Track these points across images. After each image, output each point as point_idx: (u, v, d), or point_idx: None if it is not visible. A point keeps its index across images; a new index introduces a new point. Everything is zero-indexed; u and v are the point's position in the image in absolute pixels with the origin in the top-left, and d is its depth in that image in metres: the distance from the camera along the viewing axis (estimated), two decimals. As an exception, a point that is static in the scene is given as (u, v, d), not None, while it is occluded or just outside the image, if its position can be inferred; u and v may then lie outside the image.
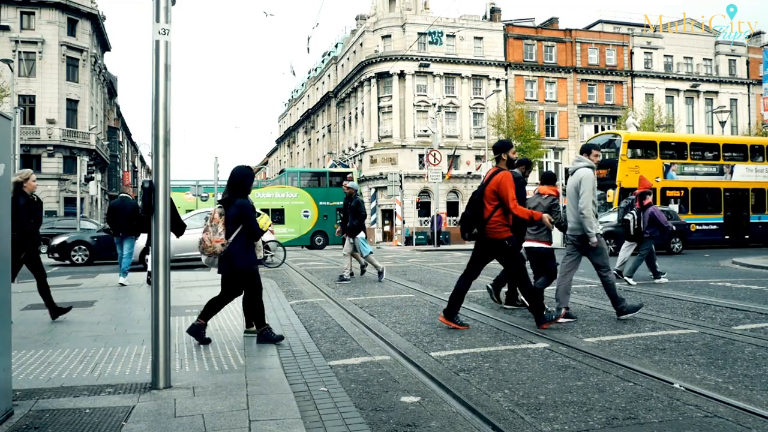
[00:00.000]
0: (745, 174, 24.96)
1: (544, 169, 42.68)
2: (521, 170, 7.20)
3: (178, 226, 6.23)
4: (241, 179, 5.40)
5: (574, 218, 6.51)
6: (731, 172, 24.75)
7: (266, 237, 13.06)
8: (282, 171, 34.08)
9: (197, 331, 5.28)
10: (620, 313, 6.49)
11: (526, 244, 7.11)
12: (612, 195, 23.98)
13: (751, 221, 24.89)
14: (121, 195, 11.35)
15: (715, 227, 24.08)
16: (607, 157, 23.88)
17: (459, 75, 49.15)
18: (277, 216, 29.73)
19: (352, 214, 10.79)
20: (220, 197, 5.84)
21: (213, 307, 5.43)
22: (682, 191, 23.94)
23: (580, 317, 6.70)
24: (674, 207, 22.72)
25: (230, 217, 5.30)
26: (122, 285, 10.27)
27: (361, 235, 10.94)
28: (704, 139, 29.00)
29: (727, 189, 24.68)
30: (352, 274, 11.14)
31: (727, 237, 24.44)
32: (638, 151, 24.26)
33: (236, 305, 7.42)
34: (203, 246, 5.29)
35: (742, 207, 25.06)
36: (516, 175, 6.67)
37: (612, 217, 19.21)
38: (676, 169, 24.17)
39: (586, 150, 6.89)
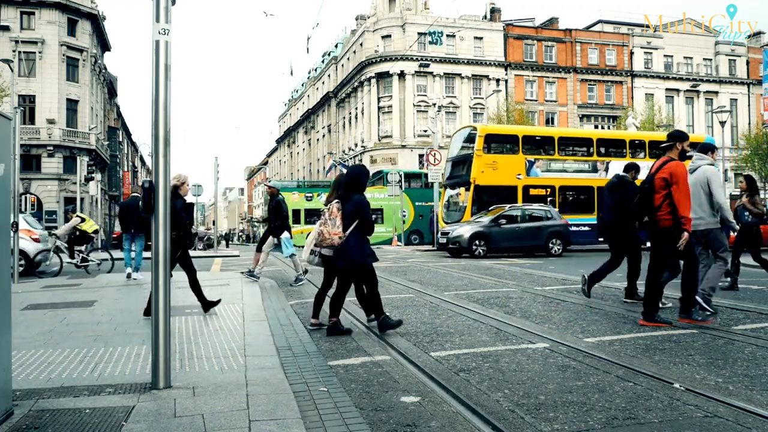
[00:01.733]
0: (621, 171, 24.13)
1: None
2: (631, 175, 8.10)
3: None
4: (357, 177, 5.92)
5: (700, 214, 6.60)
6: (606, 170, 22.63)
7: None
8: (379, 172, 34.03)
9: (335, 329, 5.75)
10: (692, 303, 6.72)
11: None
12: (464, 194, 22.52)
13: None
14: (132, 194, 12.44)
15: (587, 228, 21.78)
16: (466, 152, 22.49)
17: (459, 75, 49.18)
18: (376, 215, 30.17)
19: (274, 213, 10.57)
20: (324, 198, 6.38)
21: (336, 301, 5.89)
22: (548, 189, 22.21)
23: (579, 317, 6.70)
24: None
25: (347, 213, 5.72)
26: (135, 279, 11.10)
27: (286, 235, 10.60)
28: (575, 134, 26.83)
29: (602, 187, 23.35)
30: (306, 271, 10.80)
31: (601, 239, 22.97)
32: (498, 146, 22.52)
33: (235, 305, 7.42)
34: (322, 238, 5.71)
35: None
36: (626, 179, 7.79)
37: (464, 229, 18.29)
38: (541, 165, 22.42)
39: (709, 149, 7.10)
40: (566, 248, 19.29)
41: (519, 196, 21.81)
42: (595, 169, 22.87)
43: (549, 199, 22.22)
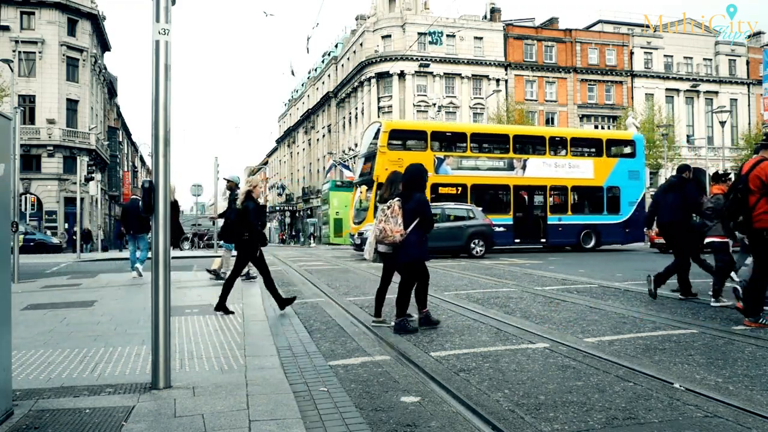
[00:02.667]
0: (541, 169, 21.88)
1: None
2: (686, 175, 8.14)
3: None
4: (418, 176, 6.14)
5: None
6: (524, 167, 21.73)
7: None
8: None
9: (428, 319, 6.09)
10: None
11: (706, 240, 7.77)
12: (365, 192, 21.27)
13: (548, 222, 21.86)
14: (133, 197, 12.86)
15: (503, 229, 20.70)
16: (372, 149, 21.27)
17: (459, 75, 49.16)
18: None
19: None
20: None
21: (418, 294, 6.11)
22: (460, 188, 21.01)
23: (579, 317, 6.70)
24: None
25: (408, 210, 5.92)
26: (133, 277, 11.60)
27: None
28: (490, 130, 25.20)
29: (519, 186, 21.69)
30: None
31: (517, 240, 21.42)
32: (405, 143, 21.52)
33: (235, 305, 7.42)
34: (384, 235, 5.88)
35: (539, 206, 22.21)
36: (685, 178, 7.94)
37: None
38: (451, 162, 21.27)
39: None
40: (489, 249, 18.31)
41: (428, 194, 20.34)
42: (511, 167, 21.64)
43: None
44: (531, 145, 23.13)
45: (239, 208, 7.25)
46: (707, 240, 7.75)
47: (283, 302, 7.13)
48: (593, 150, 23.82)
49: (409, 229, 5.88)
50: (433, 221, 6.18)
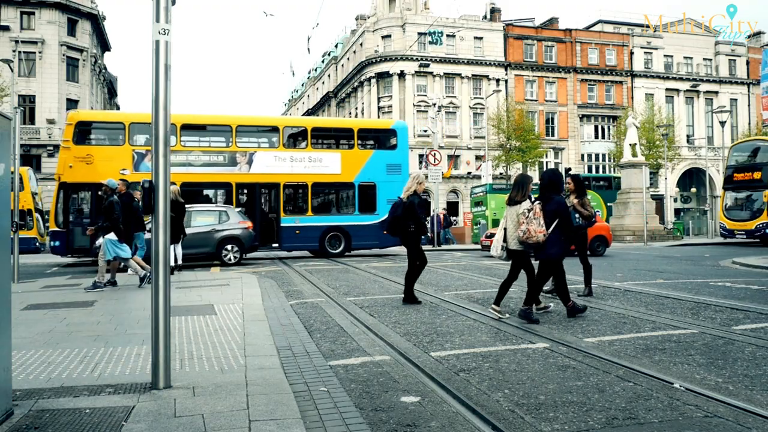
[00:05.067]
0: (273, 164, 18.92)
1: (544, 169, 42.64)
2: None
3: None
4: (557, 180, 6.74)
5: None
6: (250, 162, 18.77)
7: None
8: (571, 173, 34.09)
9: (574, 309, 6.63)
10: None
11: None
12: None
13: (282, 225, 18.77)
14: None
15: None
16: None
17: (459, 75, 49.15)
18: None
19: (105, 214, 9.89)
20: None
21: (533, 290, 6.58)
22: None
23: (579, 317, 6.70)
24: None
25: (549, 212, 6.42)
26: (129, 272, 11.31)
27: (111, 236, 9.76)
28: (206, 120, 20.54)
29: (242, 184, 18.89)
30: (114, 282, 10.09)
31: (256, 244, 18.14)
32: (96, 136, 18.70)
33: (235, 305, 7.42)
34: (528, 235, 6.29)
35: (270, 207, 19.52)
36: None
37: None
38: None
39: None
40: (244, 255, 16.49)
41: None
42: (233, 162, 18.65)
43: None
44: (261, 136, 20.34)
45: (405, 203, 7.83)
46: None
47: (410, 298, 7.93)
48: (343, 142, 20.69)
49: (550, 229, 6.39)
50: (572, 222, 6.82)
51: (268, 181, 18.90)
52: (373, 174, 19.86)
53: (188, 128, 18.95)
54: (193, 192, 17.96)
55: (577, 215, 8.40)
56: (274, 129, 20.05)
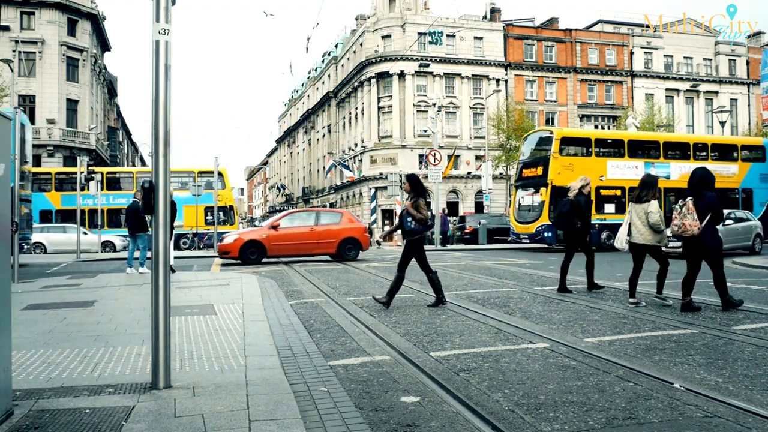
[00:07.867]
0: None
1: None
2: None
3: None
4: (707, 178, 6.94)
5: None
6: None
7: None
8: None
9: (690, 306, 6.91)
10: None
11: None
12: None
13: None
14: (132, 200, 13.21)
15: None
16: None
17: (459, 75, 49.17)
18: None
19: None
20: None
21: (689, 282, 6.94)
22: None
23: (579, 317, 6.70)
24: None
25: (702, 206, 6.75)
26: (128, 272, 12.48)
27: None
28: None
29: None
30: None
31: None
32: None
33: (235, 305, 7.42)
34: (683, 229, 6.73)
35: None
36: None
37: None
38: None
39: None
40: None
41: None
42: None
43: None
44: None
45: (573, 201, 8.67)
46: None
47: (593, 286, 8.85)
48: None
49: (704, 223, 6.68)
50: (722, 215, 7.09)
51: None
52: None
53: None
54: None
55: (409, 219, 7.47)
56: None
